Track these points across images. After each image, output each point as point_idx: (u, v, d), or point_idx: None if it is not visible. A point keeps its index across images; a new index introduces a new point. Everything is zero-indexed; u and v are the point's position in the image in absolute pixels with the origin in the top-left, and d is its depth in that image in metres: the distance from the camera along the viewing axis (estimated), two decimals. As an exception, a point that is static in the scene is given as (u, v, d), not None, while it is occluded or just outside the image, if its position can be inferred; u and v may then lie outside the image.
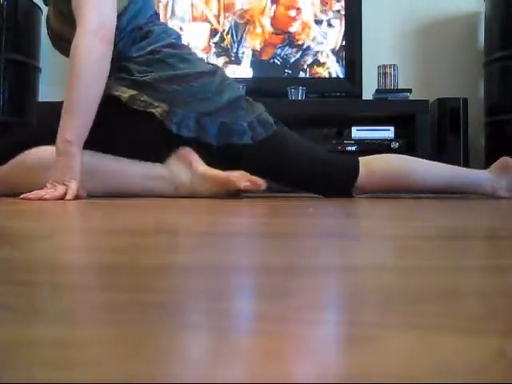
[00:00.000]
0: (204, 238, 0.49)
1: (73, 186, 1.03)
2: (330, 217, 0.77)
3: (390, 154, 1.44)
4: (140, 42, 1.24)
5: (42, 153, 1.12)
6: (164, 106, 1.17)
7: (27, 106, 2.30)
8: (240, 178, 1.10)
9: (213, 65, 1.34)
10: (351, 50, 2.34)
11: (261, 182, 1.10)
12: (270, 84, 2.34)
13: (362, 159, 1.28)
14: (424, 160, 1.34)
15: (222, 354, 0.17)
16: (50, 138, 1.12)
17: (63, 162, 1.06)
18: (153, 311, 0.22)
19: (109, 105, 1.15)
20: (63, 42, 1.24)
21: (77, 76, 1.09)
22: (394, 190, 1.35)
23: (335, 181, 1.26)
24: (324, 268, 0.33)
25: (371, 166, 1.26)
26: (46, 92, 2.45)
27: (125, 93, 1.18)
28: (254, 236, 0.51)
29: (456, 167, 1.36)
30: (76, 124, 1.09)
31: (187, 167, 1.14)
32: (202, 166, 1.14)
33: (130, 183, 1.16)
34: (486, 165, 1.45)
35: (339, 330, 0.20)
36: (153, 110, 1.17)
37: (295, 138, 1.30)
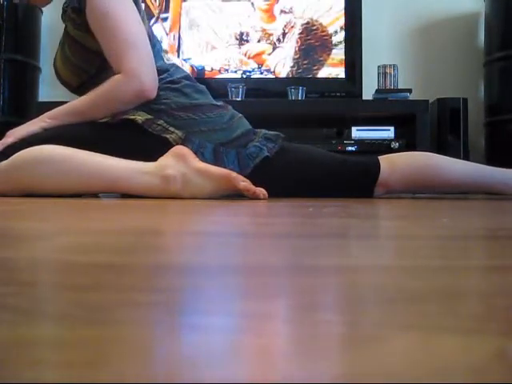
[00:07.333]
0: (204, 237, 0.49)
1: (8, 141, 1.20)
2: (330, 217, 0.77)
3: (413, 152, 1.41)
4: (161, 75, 1.27)
5: (39, 151, 1.12)
6: (179, 132, 1.19)
7: (27, 105, 2.30)
8: (240, 177, 1.07)
9: (222, 100, 1.36)
10: (351, 50, 2.34)
11: (259, 192, 1.06)
12: (270, 84, 2.34)
13: (383, 156, 1.27)
14: (449, 157, 1.32)
15: (221, 354, 0.17)
16: (48, 138, 1.12)
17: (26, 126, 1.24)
18: (153, 311, 0.22)
19: (123, 129, 1.18)
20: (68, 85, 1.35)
21: (98, 102, 1.21)
22: (418, 188, 1.31)
23: (357, 178, 1.25)
24: (324, 268, 0.33)
25: (394, 161, 1.25)
26: (46, 92, 2.45)
27: (141, 116, 1.20)
28: (253, 236, 0.51)
29: (483, 165, 1.34)
30: (65, 119, 1.22)
31: (180, 162, 1.08)
32: (198, 162, 1.09)
33: (114, 176, 1.09)
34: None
35: (339, 330, 0.20)
36: (167, 136, 1.18)
37: (305, 145, 1.34)
